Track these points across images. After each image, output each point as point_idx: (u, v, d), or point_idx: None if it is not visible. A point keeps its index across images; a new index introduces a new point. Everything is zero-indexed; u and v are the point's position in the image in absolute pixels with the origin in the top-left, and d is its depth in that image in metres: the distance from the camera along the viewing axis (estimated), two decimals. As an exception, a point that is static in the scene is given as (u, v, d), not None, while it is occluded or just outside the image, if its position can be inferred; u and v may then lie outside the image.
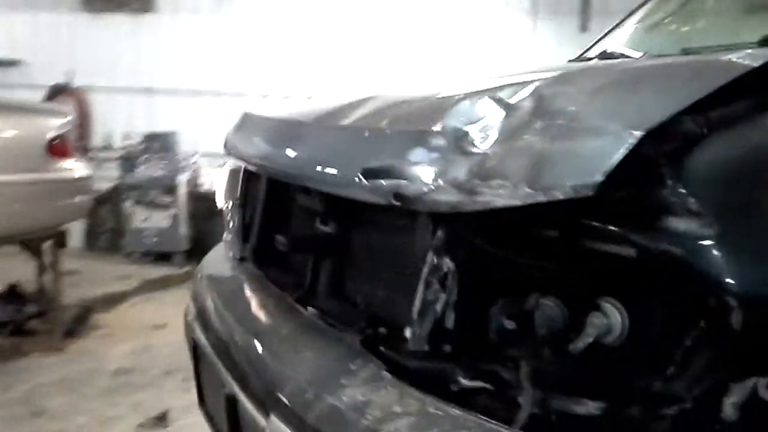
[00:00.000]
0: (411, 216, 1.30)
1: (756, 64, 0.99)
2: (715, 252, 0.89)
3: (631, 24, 2.61)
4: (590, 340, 1.07)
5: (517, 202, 0.98)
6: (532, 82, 1.20)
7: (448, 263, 1.18)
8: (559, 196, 0.94)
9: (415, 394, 1.09)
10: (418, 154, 1.14)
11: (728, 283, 0.88)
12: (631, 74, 1.13)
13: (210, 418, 1.62)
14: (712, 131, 0.97)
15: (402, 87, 1.59)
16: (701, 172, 0.94)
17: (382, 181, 1.12)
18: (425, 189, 1.09)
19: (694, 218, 0.91)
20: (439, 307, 1.18)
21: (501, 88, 1.22)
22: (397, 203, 1.12)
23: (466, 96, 1.24)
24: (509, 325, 1.17)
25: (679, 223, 0.92)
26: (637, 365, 1.06)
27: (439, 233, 1.19)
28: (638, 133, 0.92)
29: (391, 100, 1.42)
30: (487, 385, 1.14)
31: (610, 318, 1.07)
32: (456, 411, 1.03)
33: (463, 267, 1.19)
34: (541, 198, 0.96)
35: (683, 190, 0.92)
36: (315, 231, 1.57)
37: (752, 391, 0.97)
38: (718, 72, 1.01)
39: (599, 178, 0.91)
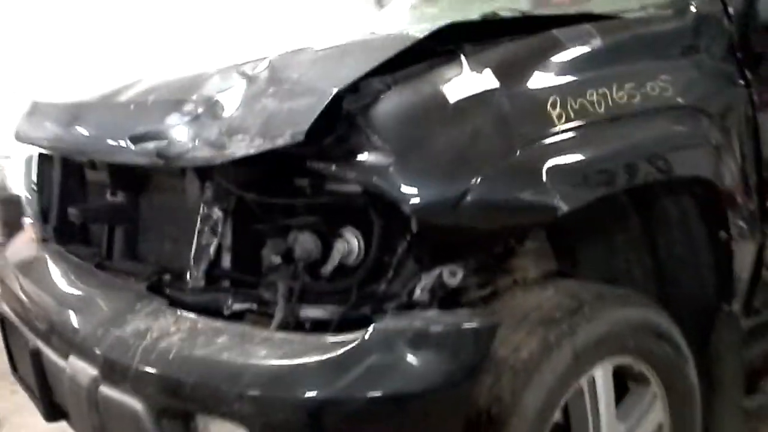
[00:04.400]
0: (183, 176, 1.52)
1: (422, 35, 1.31)
2: (393, 175, 1.20)
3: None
4: (336, 263, 1.35)
5: (252, 151, 1.24)
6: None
7: (216, 212, 1.42)
8: (280, 143, 1.21)
9: (190, 318, 1.33)
10: (176, 119, 1.37)
11: (404, 197, 1.19)
12: (344, 47, 1.43)
13: (22, 381, 1.76)
14: (392, 87, 1.28)
15: (171, 68, 1.80)
16: (383, 118, 1.24)
17: (146, 144, 1.34)
18: (183, 148, 1.32)
19: (378, 152, 1.21)
20: (211, 249, 1.42)
21: (249, 62, 1.47)
22: (160, 161, 1.34)
23: (219, 71, 1.49)
24: (273, 257, 1.42)
25: (368, 157, 1.22)
26: (368, 275, 1.35)
27: (207, 187, 1.43)
28: (334, 91, 1.20)
29: (159, 79, 1.64)
30: (253, 306, 1.40)
31: (350, 243, 1.36)
32: (220, 324, 1.28)
33: (229, 214, 1.43)
34: (268, 146, 1.22)
35: (370, 132, 1.22)
36: (105, 202, 1.75)
37: (438, 277, 1.30)
38: (396, 42, 1.32)
39: (306, 126, 1.19)
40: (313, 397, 1.10)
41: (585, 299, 1.46)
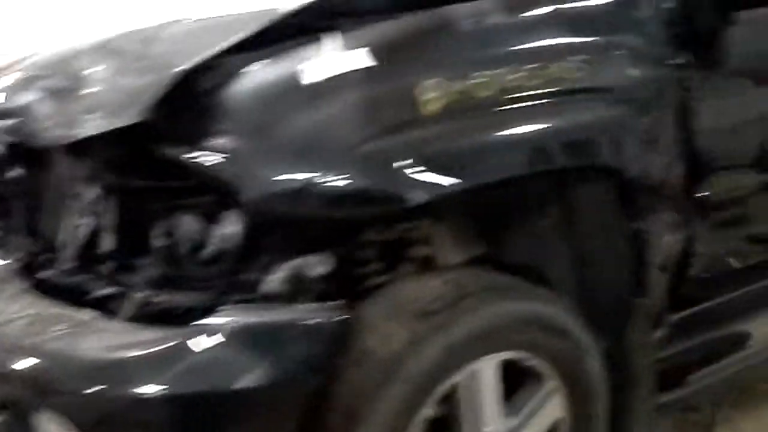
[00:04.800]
0: (63, 154, 1.48)
1: (288, 11, 1.24)
2: (237, 163, 1.14)
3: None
4: (215, 248, 1.30)
5: (96, 131, 1.19)
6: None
7: (88, 192, 1.38)
8: (120, 123, 1.16)
9: (40, 303, 1.29)
10: (38, 96, 1.32)
11: (243, 185, 1.14)
12: (216, 21, 1.36)
13: None
14: (248, 67, 1.21)
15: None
16: (232, 99, 1.18)
17: (5, 121, 1.30)
18: (39, 126, 1.28)
19: (223, 136, 1.16)
20: (82, 231, 1.38)
21: (123, 35, 1.42)
22: (17, 140, 1.30)
23: (93, 45, 1.43)
24: (154, 241, 1.37)
25: (213, 141, 1.16)
26: (232, 264, 1.29)
27: (78, 166, 1.38)
28: (179, 72, 1.15)
29: (45, 53, 1.59)
30: (121, 289, 1.35)
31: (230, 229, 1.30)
32: (65, 311, 1.24)
33: (101, 195, 1.39)
34: (109, 126, 1.17)
35: (218, 114, 1.17)
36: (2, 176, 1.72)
37: (296, 268, 1.25)
38: (264, 18, 1.25)
39: (146, 107, 1.13)
40: (130, 392, 1.06)
41: (470, 291, 1.40)
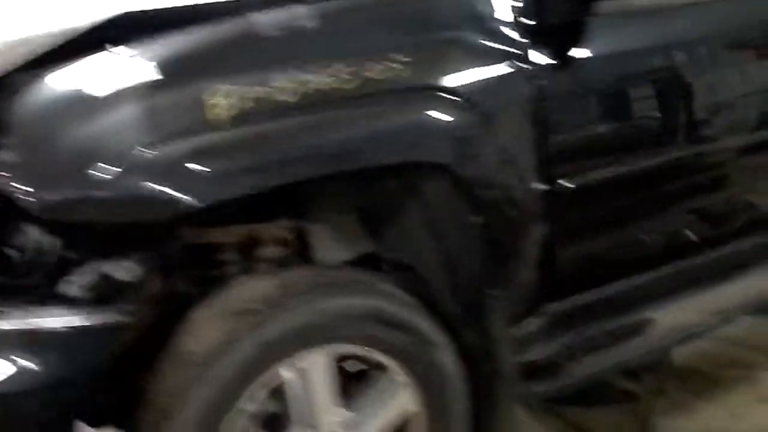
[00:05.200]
0: None
1: (91, 25, 1.29)
2: (17, 175, 1.21)
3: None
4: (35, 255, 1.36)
5: None
6: None
7: None
8: None
9: None
10: None
11: (24, 196, 1.20)
12: (26, 39, 1.41)
13: None
14: (34, 82, 1.27)
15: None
16: (14, 115, 1.24)
17: None
18: None
19: (6, 151, 1.22)
20: None
21: None
22: None
23: None
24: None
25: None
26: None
27: None
28: None
29: None
30: None
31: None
32: None
33: None
34: None
35: (2, 130, 1.23)
36: None
37: (101, 272, 1.30)
38: (62, 34, 1.31)
39: None
40: None
41: (297, 289, 1.43)
